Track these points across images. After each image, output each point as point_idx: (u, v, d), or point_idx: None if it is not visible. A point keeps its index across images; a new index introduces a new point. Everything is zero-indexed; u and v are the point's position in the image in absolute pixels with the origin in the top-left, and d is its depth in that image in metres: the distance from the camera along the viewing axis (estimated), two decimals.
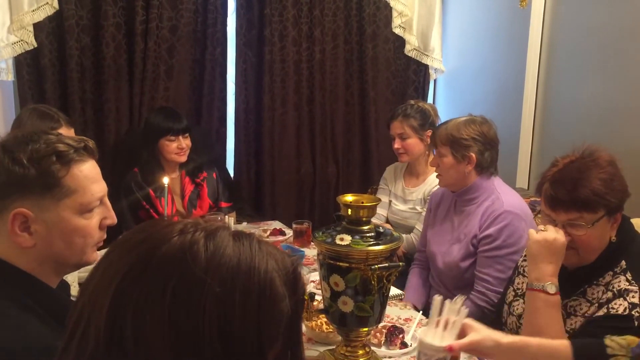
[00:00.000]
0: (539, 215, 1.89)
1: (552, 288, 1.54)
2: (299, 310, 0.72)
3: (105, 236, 1.22)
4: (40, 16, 2.98)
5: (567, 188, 1.53)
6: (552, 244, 1.54)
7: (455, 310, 1.37)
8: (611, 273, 1.57)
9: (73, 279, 1.89)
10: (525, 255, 1.83)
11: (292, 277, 0.71)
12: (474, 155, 2.18)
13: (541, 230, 1.57)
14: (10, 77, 3.02)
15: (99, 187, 1.18)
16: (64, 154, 1.11)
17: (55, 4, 3.00)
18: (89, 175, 1.15)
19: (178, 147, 2.83)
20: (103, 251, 0.76)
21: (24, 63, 3.02)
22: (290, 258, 0.73)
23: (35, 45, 2.99)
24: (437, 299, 1.39)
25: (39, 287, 1.12)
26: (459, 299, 1.39)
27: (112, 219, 1.22)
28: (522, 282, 1.79)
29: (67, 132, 2.23)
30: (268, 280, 0.68)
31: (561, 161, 1.61)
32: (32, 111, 2.30)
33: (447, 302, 1.39)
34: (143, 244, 0.69)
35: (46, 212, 1.10)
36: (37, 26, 2.99)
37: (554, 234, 1.54)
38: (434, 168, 2.71)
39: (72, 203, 1.12)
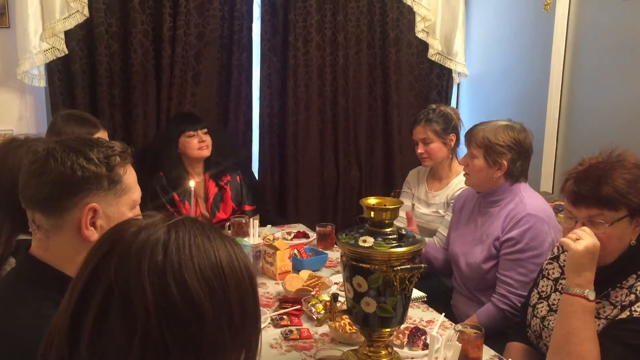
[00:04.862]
0: (561, 214, 1.89)
1: (592, 295, 1.52)
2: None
3: None
4: (71, 24, 3.06)
5: (590, 184, 1.54)
6: (593, 252, 1.52)
7: (450, 346, 1.51)
8: (634, 276, 1.56)
9: None
10: (550, 259, 1.83)
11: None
12: (505, 162, 2.17)
13: (572, 237, 1.55)
14: (42, 83, 3.11)
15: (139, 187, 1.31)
16: (123, 155, 1.24)
17: (86, 12, 3.07)
18: (135, 175, 1.29)
19: (199, 141, 2.93)
20: None
21: (56, 69, 3.10)
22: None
23: (67, 52, 3.07)
24: (432, 335, 1.54)
25: None
26: (454, 336, 1.57)
27: None
28: (547, 285, 1.79)
29: (103, 135, 2.30)
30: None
31: (587, 161, 1.62)
32: (68, 117, 2.36)
33: (444, 338, 1.59)
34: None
35: (109, 207, 1.21)
36: (68, 33, 3.07)
37: (591, 240, 1.52)
38: (457, 172, 2.73)
39: (128, 199, 1.24)
